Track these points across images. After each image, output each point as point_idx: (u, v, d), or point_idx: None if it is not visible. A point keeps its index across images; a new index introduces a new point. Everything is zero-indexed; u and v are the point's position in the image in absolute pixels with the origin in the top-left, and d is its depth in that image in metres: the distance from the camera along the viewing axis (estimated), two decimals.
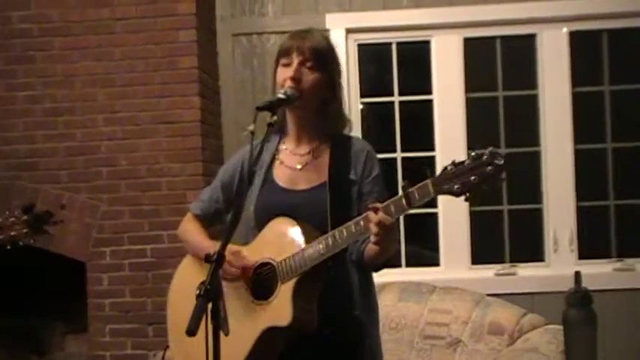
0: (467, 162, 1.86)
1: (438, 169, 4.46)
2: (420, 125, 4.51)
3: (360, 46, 4.48)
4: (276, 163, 2.30)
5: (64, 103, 4.11)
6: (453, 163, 1.88)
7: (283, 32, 4.28)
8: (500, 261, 4.41)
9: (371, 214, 1.96)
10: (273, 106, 2.11)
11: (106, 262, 4.08)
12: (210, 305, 1.78)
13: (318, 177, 2.23)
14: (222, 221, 2.49)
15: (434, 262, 4.43)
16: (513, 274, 4.33)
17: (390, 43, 4.49)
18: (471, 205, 4.24)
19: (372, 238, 1.98)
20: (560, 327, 3.44)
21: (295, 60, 2.20)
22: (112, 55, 4.09)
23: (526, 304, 3.80)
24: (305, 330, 2.09)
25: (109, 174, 4.09)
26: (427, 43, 4.46)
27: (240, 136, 4.26)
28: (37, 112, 4.13)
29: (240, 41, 4.44)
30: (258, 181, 2.28)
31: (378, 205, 1.96)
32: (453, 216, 4.37)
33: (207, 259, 1.88)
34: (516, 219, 4.45)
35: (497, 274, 4.32)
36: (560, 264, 4.32)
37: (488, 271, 4.35)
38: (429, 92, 4.46)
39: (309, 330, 2.10)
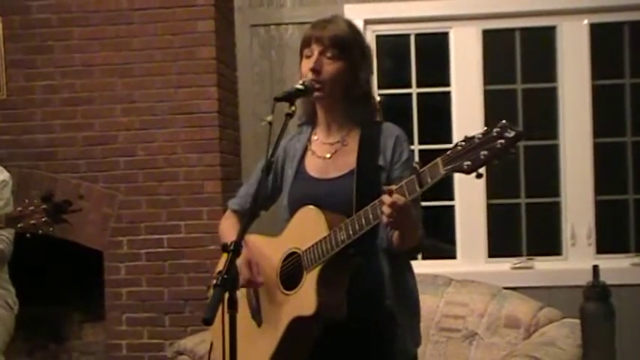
0: (477, 137, 1.78)
1: None
2: (437, 117, 4.49)
3: (378, 37, 4.46)
4: (308, 154, 2.30)
5: (83, 92, 4.14)
6: (464, 139, 1.81)
7: (301, 23, 4.29)
8: (517, 254, 4.39)
9: (385, 197, 1.92)
10: (291, 97, 2.10)
11: (123, 252, 4.11)
12: (227, 294, 1.79)
13: (347, 165, 2.22)
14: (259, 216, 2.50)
15: (450, 255, 4.42)
16: (530, 267, 4.31)
17: (409, 35, 4.47)
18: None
19: (385, 220, 1.94)
20: (578, 321, 3.42)
21: (315, 51, 2.19)
22: (130, 45, 4.10)
23: (543, 298, 3.78)
24: (333, 320, 2.07)
25: (127, 164, 4.11)
26: (446, 34, 4.43)
27: (258, 127, 4.32)
28: (56, 101, 4.16)
29: (258, 32, 4.44)
30: (290, 173, 2.29)
31: (392, 187, 1.93)
32: (470, 209, 4.36)
33: (224, 249, 1.88)
34: (534, 212, 4.42)
35: (514, 268, 4.30)
36: (577, 258, 4.29)
37: (504, 265, 4.33)
38: (447, 84, 4.44)
39: (338, 320, 2.08)
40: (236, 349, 1.80)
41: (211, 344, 2.37)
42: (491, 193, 4.36)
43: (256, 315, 2.21)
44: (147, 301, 4.10)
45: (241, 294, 2.22)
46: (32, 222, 2.66)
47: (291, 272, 2.15)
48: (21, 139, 4.17)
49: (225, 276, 1.79)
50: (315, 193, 2.20)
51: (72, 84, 4.14)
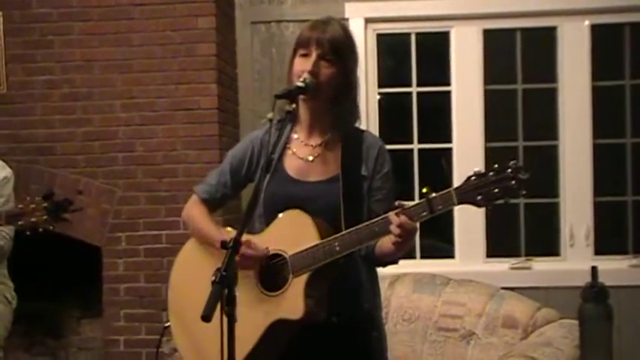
0: (490, 174, 1.89)
1: (455, 162, 4.44)
2: (437, 117, 4.49)
3: (379, 35, 4.46)
4: (288, 152, 2.28)
5: (82, 88, 4.13)
6: (476, 174, 1.91)
7: (302, 21, 4.26)
8: (516, 254, 4.39)
9: (392, 217, 1.96)
10: (291, 94, 2.10)
11: (121, 248, 4.10)
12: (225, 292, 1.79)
13: (329, 170, 2.22)
14: (226, 206, 2.49)
15: (449, 255, 4.42)
16: (528, 267, 4.31)
17: (409, 34, 4.47)
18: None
19: (392, 239, 1.99)
20: (575, 322, 3.41)
21: (314, 53, 2.17)
22: (130, 41, 4.10)
23: (541, 299, 3.78)
24: (313, 322, 2.10)
25: (126, 159, 4.10)
26: (446, 34, 4.43)
27: (258, 123, 4.31)
28: (56, 96, 4.15)
29: (258, 29, 4.43)
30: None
31: (401, 206, 1.96)
32: (468, 208, 4.30)
33: (223, 245, 1.88)
34: (533, 213, 4.42)
35: (512, 268, 4.31)
36: (575, 259, 4.30)
37: (503, 265, 4.33)
38: (448, 84, 4.44)
39: (316, 322, 2.11)
40: (234, 347, 1.80)
41: (164, 328, 2.37)
42: None
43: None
44: (145, 297, 4.10)
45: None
46: (33, 220, 2.67)
47: (271, 273, 2.15)
48: (20, 133, 4.16)
49: (224, 273, 1.79)
50: (293, 194, 2.19)
51: (72, 79, 4.14)
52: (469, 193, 1.91)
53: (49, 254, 4.18)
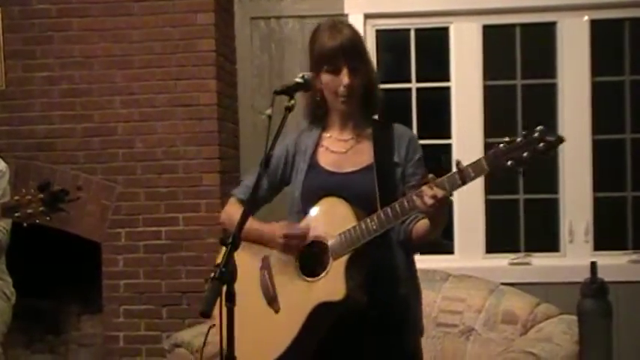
0: (519, 139, 1.93)
1: (454, 158, 4.43)
2: (436, 113, 4.49)
3: (378, 31, 4.45)
4: (320, 150, 2.35)
5: (82, 84, 4.13)
6: (506, 141, 1.95)
7: (302, 17, 4.28)
8: (515, 250, 4.39)
9: (425, 189, 2.01)
10: (291, 91, 2.13)
11: (121, 244, 4.11)
12: (224, 288, 1.79)
13: (363, 159, 2.29)
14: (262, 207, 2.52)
15: (448, 250, 4.42)
16: (528, 263, 4.31)
17: (409, 30, 4.46)
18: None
19: (425, 210, 2.03)
20: (575, 317, 3.42)
21: (344, 68, 2.23)
22: (129, 37, 4.10)
23: (540, 294, 3.79)
24: (356, 305, 2.14)
25: (125, 156, 4.11)
26: (446, 29, 4.42)
27: (257, 120, 4.31)
28: (55, 92, 4.15)
29: (258, 25, 4.42)
30: (303, 165, 2.34)
31: (433, 178, 2.02)
32: (468, 204, 4.35)
33: (222, 242, 1.89)
34: (532, 208, 4.42)
35: (512, 263, 4.30)
36: (575, 254, 4.29)
37: (502, 260, 4.33)
38: (447, 79, 4.43)
39: (360, 306, 2.15)
40: (234, 343, 1.81)
41: (211, 326, 2.38)
42: (489, 188, 4.36)
43: (273, 302, 2.24)
44: (144, 294, 4.10)
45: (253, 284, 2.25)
46: (29, 211, 2.64)
47: (309, 260, 2.21)
48: (20, 130, 4.16)
49: (224, 269, 1.80)
50: (331, 185, 2.26)
51: (71, 75, 4.14)
52: (499, 160, 1.95)
53: (48, 250, 4.18)
